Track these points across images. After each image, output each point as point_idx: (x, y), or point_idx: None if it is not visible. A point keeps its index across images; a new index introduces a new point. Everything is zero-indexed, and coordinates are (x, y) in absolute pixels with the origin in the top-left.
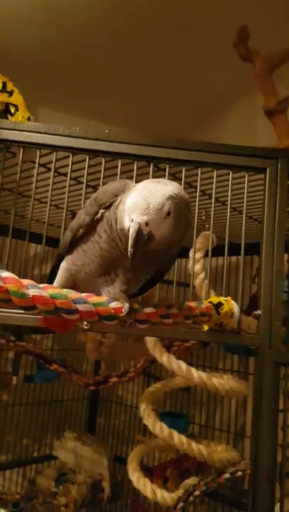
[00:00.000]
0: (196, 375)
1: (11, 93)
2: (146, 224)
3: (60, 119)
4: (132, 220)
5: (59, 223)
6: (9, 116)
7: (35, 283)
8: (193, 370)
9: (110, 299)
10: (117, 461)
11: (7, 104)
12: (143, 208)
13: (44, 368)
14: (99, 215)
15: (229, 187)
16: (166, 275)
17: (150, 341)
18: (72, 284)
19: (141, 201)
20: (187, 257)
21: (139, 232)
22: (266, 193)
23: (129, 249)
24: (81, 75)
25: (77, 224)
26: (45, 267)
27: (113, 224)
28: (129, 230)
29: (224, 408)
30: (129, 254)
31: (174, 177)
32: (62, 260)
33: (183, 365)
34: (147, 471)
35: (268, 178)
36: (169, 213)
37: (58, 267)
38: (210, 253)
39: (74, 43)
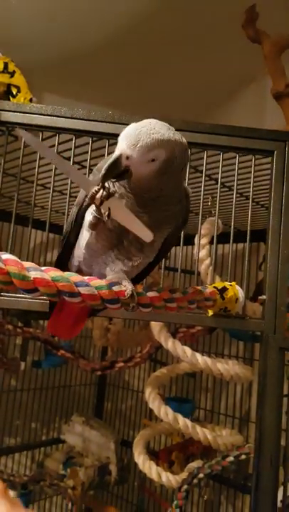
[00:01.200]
0: (201, 360)
1: (12, 74)
2: (127, 158)
3: (66, 104)
4: (118, 148)
5: (63, 210)
6: (11, 98)
7: (37, 266)
8: (198, 356)
9: (113, 282)
10: (124, 444)
11: (9, 86)
12: (131, 143)
13: (52, 354)
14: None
15: (236, 170)
16: (173, 262)
17: (156, 327)
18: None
19: (133, 135)
20: (192, 243)
21: (117, 160)
22: (273, 176)
23: (105, 167)
24: (87, 59)
25: (82, 195)
26: (50, 254)
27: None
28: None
29: (229, 393)
30: (100, 176)
31: None
32: (68, 245)
33: (188, 350)
34: (153, 454)
35: (275, 160)
36: (154, 160)
37: (65, 253)
38: (215, 239)
39: (81, 27)
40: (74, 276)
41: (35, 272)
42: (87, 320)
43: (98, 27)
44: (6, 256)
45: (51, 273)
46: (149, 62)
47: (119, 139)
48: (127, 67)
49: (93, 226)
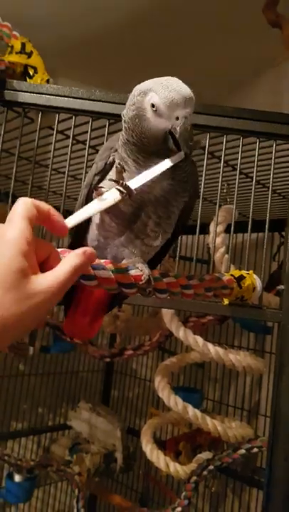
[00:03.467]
0: (213, 350)
1: (29, 54)
2: (189, 116)
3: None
4: (177, 118)
5: (76, 195)
6: (28, 79)
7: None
8: (210, 346)
9: (130, 266)
10: (130, 432)
11: (26, 66)
12: (182, 102)
13: (60, 339)
14: (111, 159)
15: (256, 156)
16: (184, 251)
17: (167, 316)
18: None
19: (177, 95)
20: (206, 232)
21: (187, 126)
22: None
23: (184, 146)
24: (103, 43)
25: (91, 174)
26: (68, 239)
27: (136, 153)
28: (170, 131)
29: (239, 385)
30: (185, 151)
31: None
32: (80, 231)
33: (199, 340)
34: (160, 444)
35: None
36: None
37: (77, 241)
38: (232, 227)
39: (99, 12)
40: None
41: None
42: (103, 317)
43: (116, 8)
44: None
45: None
46: (166, 47)
47: (166, 109)
48: (144, 54)
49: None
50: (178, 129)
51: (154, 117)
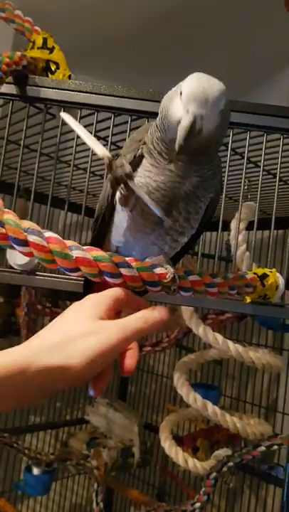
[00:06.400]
0: (233, 347)
1: (51, 50)
2: (201, 118)
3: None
4: (188, 111)
5: (95, 192)
6: (49, 75)
7: (79, 245)
8: (230, 343)
9: (154, 264)
10: (147, 428)
11: (48, 62)
12: (202, 100)
13: None
14: (140, 151)
15: (280, 153)
16: (202, 248)
17: (186, 313)
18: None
19: (200, 92)
20: (226, 230)
21: (194, 125)
22: None
23: (179, 140)
24: (124, 41)
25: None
26: (85, 235)
27: (160, 141)
28: (180, 121)
29: (256, 382)
30: (177, 145)
31: None
32: (103, 226)
33: (219, 337)
34: (177, 440)
35: None
36: (221, 111)
37: (100, 236)
38: (255, 224)
39: (117, 9)
40: (115, 257)
41: (78, 251)
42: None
43: (134, 7)
44: (48, 234)
45: (93, 253)
46: (183, 43)
47: (185, 100)
48: (163, 47)
49: (124, 202)
50: (182, 122)
51: (178, 103)
